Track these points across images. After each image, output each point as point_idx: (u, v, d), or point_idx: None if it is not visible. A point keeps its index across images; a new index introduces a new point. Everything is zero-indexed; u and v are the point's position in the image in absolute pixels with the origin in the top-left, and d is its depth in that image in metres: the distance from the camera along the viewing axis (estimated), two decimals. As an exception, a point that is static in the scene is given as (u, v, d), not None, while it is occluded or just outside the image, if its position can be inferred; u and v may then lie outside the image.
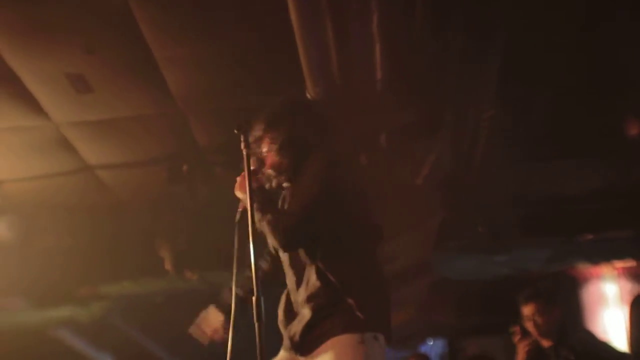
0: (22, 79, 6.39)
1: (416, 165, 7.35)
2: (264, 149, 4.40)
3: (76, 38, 6.02)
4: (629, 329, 6.28)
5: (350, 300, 4.01)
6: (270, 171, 4.42)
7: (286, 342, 4.27)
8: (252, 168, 4.25)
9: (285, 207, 4.25)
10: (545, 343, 6.86)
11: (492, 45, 6.02)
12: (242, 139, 4.17)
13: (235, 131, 4.19)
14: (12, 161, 7.70)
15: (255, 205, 4.08)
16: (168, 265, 8.27)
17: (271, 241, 4.15)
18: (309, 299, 4.14)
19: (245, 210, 4.22)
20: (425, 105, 6.56)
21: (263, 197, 4.18)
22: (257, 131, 4.40)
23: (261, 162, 4.42)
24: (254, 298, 3.92)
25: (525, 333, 6.66)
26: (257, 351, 3.85)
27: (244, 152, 4.16)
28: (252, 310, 3.90)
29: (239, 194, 4.33)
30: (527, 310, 6.84)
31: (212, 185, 7.62)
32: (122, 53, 6.31)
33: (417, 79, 6.24)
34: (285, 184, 4.42)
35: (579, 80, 7.06)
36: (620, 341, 9.11)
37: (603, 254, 9.59)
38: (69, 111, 6.95)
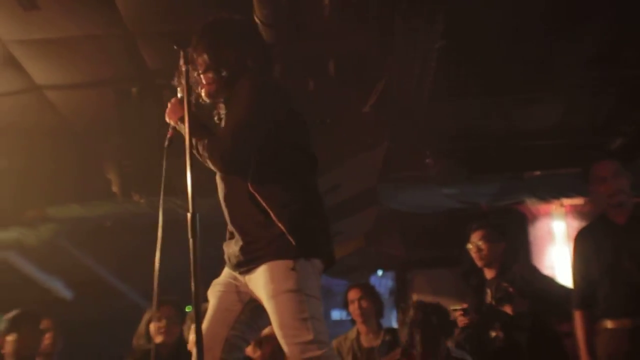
0: (-33, -5, 6.31)
1: (364, 93, 7.36)
2: (198, 69, 4.40)
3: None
4: (572, 263, 6.35)
5: (281, 225, 4.08)
6: (203, 93, 4.44)
7: (227, 260, 4.37)
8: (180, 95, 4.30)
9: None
10: (489, 274, 6.97)
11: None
12: (181, 55, 4.17)
13: (175, 47, 4.19)
14: (-44, 78, 7.63)
15: (188, 132, 4.09)
16: (115, 188, 8.25)
17: (209, 166, 4.19)
18: (239, 222, 4.24)
19: (173, 137, 4.28)
20: (374, 32, 6.54)
21: (195, 123, 4.18)
22: (191, 51, 4.38)
23: (194, 84, 4.42)
24: (189, 214, 3.95)
25: (466, 313, 6.76)
26: (191, 267, 3.89)
27: (183, 69, 4.16)
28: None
29: (169, 119, 4.38)
30: (474, 236, 6.97)
31: (160, 108, 7.58)
32: (70, -30, 6.26)
33: (366, 5, 6.23)
34: (221, 109, 4.43)
35: (531, 15, 7.06)
36: (566, 278, 9.22)
37: (551, 191, 9.65)
38: (15, 29, 6.86)
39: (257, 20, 6.10)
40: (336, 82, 7.12)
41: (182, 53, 4.16)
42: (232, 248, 4.29)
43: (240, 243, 4.22)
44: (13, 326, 6.68)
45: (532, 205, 10.18)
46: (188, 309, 7.32)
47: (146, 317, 7.23)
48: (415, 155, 8.79)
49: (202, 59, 4.39)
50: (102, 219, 9.51)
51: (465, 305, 6.82)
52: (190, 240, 3.91)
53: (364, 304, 7.80)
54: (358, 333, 7.86)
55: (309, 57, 6.82)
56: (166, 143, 4.40)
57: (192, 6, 6.58)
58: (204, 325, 4.31)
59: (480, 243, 6.94)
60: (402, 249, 10.68)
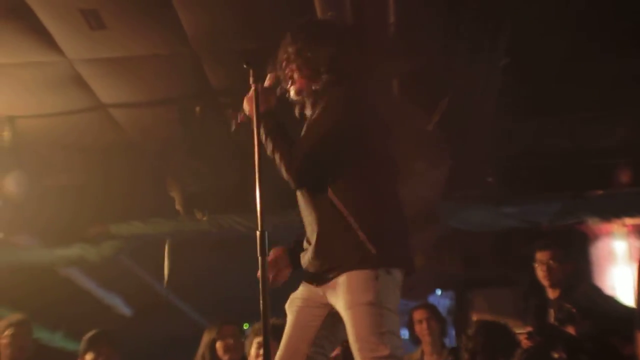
0: (36, 13, 6.39)
1: (428, 111, 7.34)
2: (292, 64, 4.34)
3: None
4: (636, 285, 6.28)
5: (362, 233, 4.02)
6: (293, 89, 4.39)
7: (304, 272, 4.32)
8: (268, 85, 4.26)
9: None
10: (552, 294, 6.90)
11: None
12: (251, 74, 4.17)
13: (245, 66, 4.19)
14: (25, 97, 7.73)
15: (264, 131, 4.10)
16: (178, 206, 8.31)
17: (282, 175, 4.17)
18: (318, 228, 4.16)
19: (243, 124, 4.25)
20: (438, 50, 6.54)
21: (273, 124, 4.16)
22: (288, 49, 4.35)
23: (283, 79, 4.37)
24: (258, 232, 3.95)
25: (531, 336, 6.72)
26: (260, 286, 3.89)
27: (253, 87, 4.16)
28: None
29: (246, 105, 4.28)
30: (542, 255, 6.91)
31: (223, 127, 7.63)
32: (136, -10, 6.33)
33: (430, 25, 6.23)
34: (307, 108, 4.40)
35: (596, 33, 7.02)
36: (628, 298, 9.12)
37: (613, 210, 9.55)
38: (82, 48, 6.96)
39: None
40: (401, 101, 7.12)
41: (251, 72, 4.16)
42: (309, 258, 4.22)
43: (320, 252, 4.15)
44: (91, 346, 6.76)
45: (594, 224, 10.09)
46: (245, 326, 7.36)
47: (205, 338, 7.27)
48: (476, 173, 8.75)
49: (300, 54, 4.32)
50: (163, 237, 9.57)
51: (529, 329, 6.77)
52: (260, 259, 3.92)
53: (432, 323, 7.84)
54: (422, 353, 7.87)
55: (373, 76, 6.81)
56: (232, 127, 4.38)
57: (256, 26, 6.63)
58: (283, 341, 4.31)
59: (551, 262, 6.87)
60: (462, 267, 10.61)
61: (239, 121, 4.33)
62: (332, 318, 4.20)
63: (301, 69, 4.32)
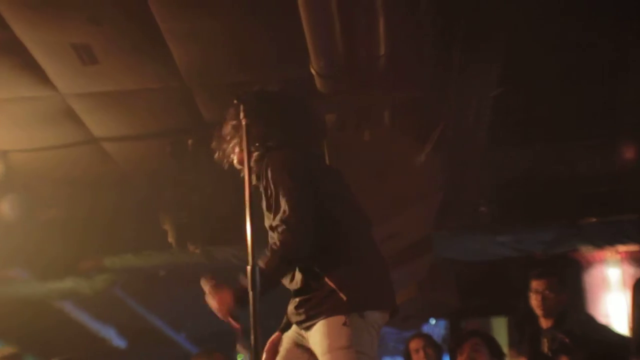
0: (29, 49, 6.41)
1: (419, 142, 7.37)
2: (232, 137, 4.49)
3: (83, 9, 6.04)
4: (630, 313, 6.29)
5: (332, 283, 4.10)
6: (235, 159, 4.50)
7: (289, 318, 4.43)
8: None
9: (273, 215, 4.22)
10: (545, 324, 6.90)
11: (498, 26, 6.04)
12: (241, 109, 4.20)
13: (235, 101, 4.23)
14: (17, 132, 7.73)
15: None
16: (171, 239, 8.30)
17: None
18: (297, 282, 4.25)
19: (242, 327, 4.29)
20: (430, 81, 6.57)
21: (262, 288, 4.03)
22: (229, 124, 4.49)
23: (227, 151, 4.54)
24: (248, 267, 3.97)
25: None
26: (251, 319, 3.91)
27: (243, 123, 4.19)
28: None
29: (223, 315, 4.22)
30: (538, 284, 6.89)
31: (216, 160, 7.64)
32: (128, 25, 6.34)
33: (421, 56, 6.26)
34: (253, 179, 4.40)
35: (587, 61, 7.06)
36: (622, 326, 9.12)
37: (606, 238, 9.57)
38: (74, 82, 6.97)
39: (313, 71, 6.15)
40: (392, 132, 7.14)
41: (242, 107, 4.19)
42: (292, 309, 4.33)
43: (297, 302, 4.27)
44: None
45: (587, 252, 10.11)
46: (239, 357, 7.35)
47: None
48: (470, 202, 8.77)
49: (238, 130, 4.39)
50: (156, 269, 9.56)
51: (523, 359, 6.79)
52: (250, 293, 3.93)
53: (429, 351, 7.88)
54: (420, 381, 7.91)
55: (364, 107, 6.85)
56: (238, 332, 4.30)
57: (247, 60, 6.66)
58: None
59: (546, 292, 6.87)
60: (455, 297, 10.61)
61: (237, 327, 4.34)
62: None
63: (240, 142, 4.39)
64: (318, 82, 6.18)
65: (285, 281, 4.30)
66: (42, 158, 8.17)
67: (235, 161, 4.52)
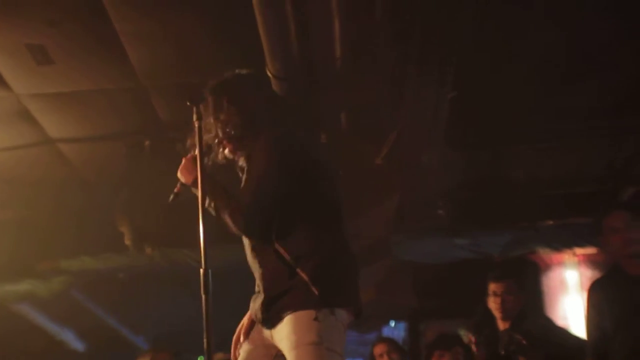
0: (-18, 49, 6.36)
1: (376, 144, 7.37)
2: (217, 127, 4.42)
3: (38, 10, 6.01)
4: (586, 315, 6.33)
5: (304, 276, 4.07)
6: (227, 150, 4.45)
7: (253, 316, 4.39)
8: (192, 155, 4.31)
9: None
10: (502, 325, 6.93)
11: (454, 28, 6.04)
12: (194, 111, 4.19)
13: (188, 103, 4.21)
14: (-28, 132, 7.67)
15: (206, 192, 4.13)
16: (127, 241, 8.27)
17: (231, 230, 4.21)
18: (265, 278, 4.25)
19: (180, 192, 4.29)
20: (386, 84, 6.56)
21: (215, 187, 4.22)
22: (206, 108, 4.40)
23: (214, 143, 4.45)
24: (201, 270, 3.96)
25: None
26: (204, 323, 3.89)
27: (196, 125, 4.18)
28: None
29: (181, 177, 4.37)
30: (496, 287, 6.94)
31: (173, 161, 7.60)
32: (83, 26, 6.30)
33: (377, 58, 6.25)
34: (240, 163, 4.44)
35: (546, 65, 7.08)
36: (580, 328, 9.17)
37: (564, 241, 9.64)
38: (29, 82, 6.92)
39: (269, 74, 6.14)
40: (349, 134, 7.14)
41: (194, 109, 4.18)
42: (257, 303, 4.29)
43: (265, 296, 4.22)
44: None
45: (545, 254, 10.16)
46: (200, 359, 7.31)
47: None
48: (427, 205, 8.78)
49: (222, 116, 4.40)
50: (115, 271, 9.52)
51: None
52: (203, 297, 3.92)
53: (393, 356, 7.93)
54: (385, 385, 7.96)
55: (321, 110, 6.84)
56: (171, 197, 4.41)
57: (204, 60, 6.63)
58: None
59: (505, 295, 6.90)
60: (414, 299, 10.63)
61: (176, 191, 4.37)
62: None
63: (226, 129, 4.40)
64: (274, 84, 6.16)
65: (256, 272, 4.31)
66: (-1, 158, 8.12)
67: (227, 152, 4.47)
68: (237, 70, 4.58)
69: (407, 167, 7.69)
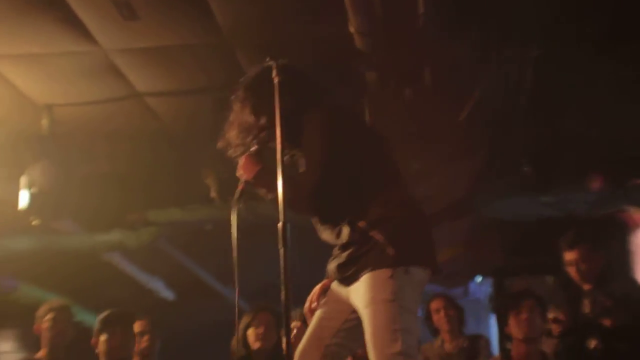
0: (69, 4, 6.42)
1: (460, 101, 7.33)
2: (256, 124, 4.47)
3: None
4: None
5: (379, 237, 4.13)
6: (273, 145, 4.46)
7: (330, 275, 4.50)
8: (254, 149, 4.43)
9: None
10: (586, 286, 6.84)
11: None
12: (274, 67, 4.24)
13: (268, 59, 4.27)
14: (63, 86, 7.79)
15: (265, 184, 4.31)
16: (213, 194, 8.35)
17: (299, 213, 4.30)
18: (343, 247, 4.32)
19: (244, 191, 4.34)
20: (469, 40, 6.52)
21: (266, 182, 4.32)
22: (240, 103, 4.59)
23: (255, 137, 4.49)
24: (279, 224, 4.03)
25: (557, 321, 6.71)
26: (281, 277, 3.96)
27: (275, 81, 4.23)
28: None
29: (242, 174, 4.44)
30: (570, 255, 6.81)
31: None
32: (169, -20, 6.36)
33: (461, 15, 6.21)
34: (291, 152, 4.46)
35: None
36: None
37: (654, 199, 9.48)
38: (116, 38, 7.00)
39: (352, 29, 6.14)
40: (432, 91, 7.11)
41: (274, 65, 4.22)
42: (334, 264, 4.38)
43: (342, 259, 4.30)
44: (105, 327, 6.78)
45: (633, 213, 10.01)
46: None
47: (243, 322, 7.33)
48: (512, 163, 8.71)
49: (259, 111, 4.46)
50: (202, 223, 9.63)
51: (560, 316, 6.74)
52: (281, 250, 3.98)
53: (450, 312, 7.93)
54: (442, 341, 7.99)
55: (404, 65, 6.82)
56: (236, 195, 4.50)
57: (288, 16, 6.65)
58: (308, 329, 4.49)
59: (579, 263, 6.78)
60: (500, 256, 10.61)
61: (240, 189, 4.45)
62: (358, 317, 4.28)
63: (265, 124, 4.42)
64: (357, 40, 6.17)
65: (331, 237, 4.38)
66: (88, 113, 8.25)
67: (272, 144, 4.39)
68: (264, 63, 4.56)
69: (491, 125, 7.64)
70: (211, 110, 7.58)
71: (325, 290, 4.58)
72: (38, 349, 7.28)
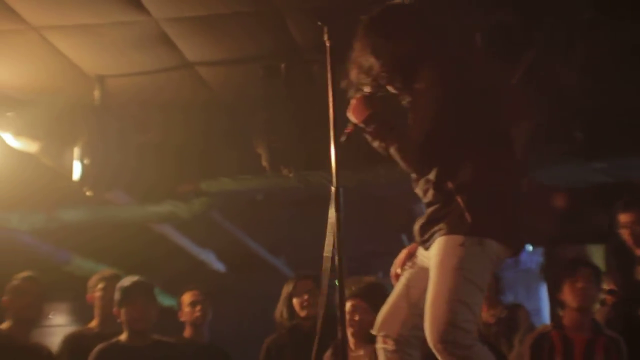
0: (120, -26, 6.49)
1: (511, 65, 7.27)
2: (376, 63, 4.35)
3: None
4: None
5: (460, 201, 4.08)
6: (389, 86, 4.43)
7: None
8: (367, 91, 4.34)
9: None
10: (639, 251, 6.80)
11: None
12: (325, 31, 4.22)
13: (319, 23, 4.23)
14: (113, 57, 7.83)
15: (372, 130, 4.23)
16: (265, 162, 8.35)
17: (401, 166, 4.26)
18: (428, 203, 4.29)
19: (352, 134, 4.31)
20: (521, 5, 6.47)
21: (383, 125, 4.25)
22: (359, 43, 4.38)
23: (376, 79, 4.40)
24: (333, 188, 4.03)
25: (612, 293, 6.66)
26: (334, 242, 3.96)
27: (327, 44, 4.21)
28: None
29: (351, 117, 4.37)
30: (625, 217, 6.76)
31: (308, 85, 7.67)
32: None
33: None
34: (403, 98, 4.42)
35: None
36: None
37: None
38: (167, 7, 7.00)
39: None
40: (484, 55, 7.05)
41: (325, 29, 4.20)
42: (417, 225, 4.36)
43: (425, 219, 4.28)
44: (126, 298, 6.79)
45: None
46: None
47: (285, 291, 7.38)
48: (565, 128, 8.61)
49: (377, 53, 4.33)
50: (253, 193, 9.65)
51: (612, 286, 6.71)
52: (334, 215, 3.98)
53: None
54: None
55: (454, 29, 6.77)
56: (342, 138, 4.42)
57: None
58: (390, 296, 4.46)
59: (635, 226, 6.73)
60: (551, 223, 10.51)
61: (347, 131, 4.39)
62: None
63: (385, 65, 4.33)
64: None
65: (420, 193, 4.34)
66: (138, 83, 8.31)
67: (390, 89, 4.45)
68: (388, 2, 4.50)
69: (544, 89, 7.57)
70: (262, 78, 7.62)
71: (411, 255, 4.55)
72: (91, 320, 7.38)
